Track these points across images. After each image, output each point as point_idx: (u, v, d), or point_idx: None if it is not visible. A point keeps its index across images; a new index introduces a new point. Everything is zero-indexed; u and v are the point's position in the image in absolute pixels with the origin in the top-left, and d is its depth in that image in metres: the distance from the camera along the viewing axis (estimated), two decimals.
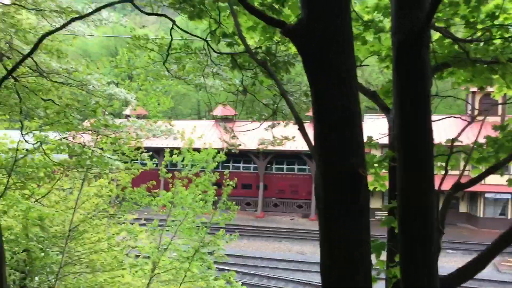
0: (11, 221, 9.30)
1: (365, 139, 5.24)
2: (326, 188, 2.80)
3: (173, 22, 6.07)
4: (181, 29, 6.29)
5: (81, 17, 6.75)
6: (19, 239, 9.05)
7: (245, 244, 29.30)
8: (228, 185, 11.66)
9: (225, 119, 37.95)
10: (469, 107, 32.68)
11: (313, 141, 2.92)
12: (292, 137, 9.20)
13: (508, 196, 32.00)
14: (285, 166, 38.02)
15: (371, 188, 5.93)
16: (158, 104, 10.74)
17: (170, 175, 11.68)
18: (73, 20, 6.15)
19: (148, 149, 12.14)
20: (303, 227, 33.32)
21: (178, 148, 11.96)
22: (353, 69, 2.76)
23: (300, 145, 30.28)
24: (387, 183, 5.62)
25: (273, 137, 8.98)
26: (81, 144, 8.39)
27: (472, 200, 33.69)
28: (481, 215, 32.74)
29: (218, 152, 11.80)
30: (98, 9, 6.12)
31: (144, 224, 11.67)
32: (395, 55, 2.70)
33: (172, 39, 6.41)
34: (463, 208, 34.19)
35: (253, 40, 6.41)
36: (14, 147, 8.05)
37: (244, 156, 35.79)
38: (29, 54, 6.05)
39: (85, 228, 9.93)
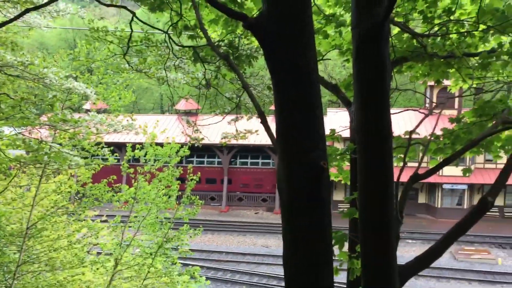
0: None
1: (327, 132, 5.31)
2: (288, 181, 2.81)
3: (133, 14, 5.95)
4: (142, 21, 6.17)
5: (36, 8, 6.52)
6: None
7: (209, 239, 29.22)
8: (192, 179, 11.58)
9: (188, 113, 37.61)
10: (428, 100, 33.62)
11: (275, 135, 2.93)
12: (255, 131, 9.24)
13: (464, 186, 33.20)
14: (249, 160, 38.05)
15: (335, 179, 6.03)
16: (120, 98, 10.51)
17: (132, 170, 11.49)
18: (27, 10, 5.92)
19: (109, 144, 11.90)
20: (267, 220, 33.49)
21: (140, 143, 11.78)
22: (314, 62, 2.77)
23: (264, 138, 30.40)
24: None
25: (237, 130, 8.99)
26: (37, 139, 8.12)
27: (431, 191, 34.75)
28: (439, 206, 33.83)
29: (182, 146, 11.70)
30: (53, 0, 5.93)
31: (106, 221, 11.43)
32: (355, 48, 2.73)
33: (132, 31, 6.28)
34: (422, 199, 35.21)
35: (215, 33, 6.35)
36: None
37: (208, 150, 35.62)
38: None
39: (44, 225, 9.65)
